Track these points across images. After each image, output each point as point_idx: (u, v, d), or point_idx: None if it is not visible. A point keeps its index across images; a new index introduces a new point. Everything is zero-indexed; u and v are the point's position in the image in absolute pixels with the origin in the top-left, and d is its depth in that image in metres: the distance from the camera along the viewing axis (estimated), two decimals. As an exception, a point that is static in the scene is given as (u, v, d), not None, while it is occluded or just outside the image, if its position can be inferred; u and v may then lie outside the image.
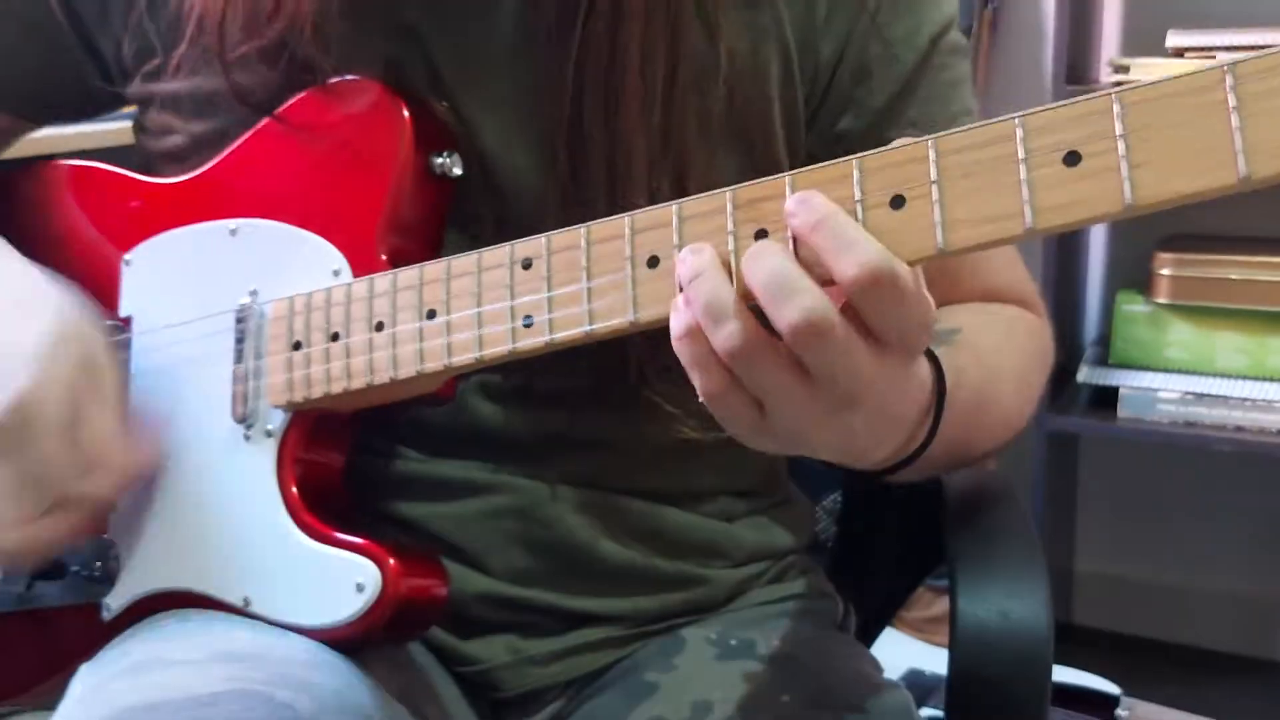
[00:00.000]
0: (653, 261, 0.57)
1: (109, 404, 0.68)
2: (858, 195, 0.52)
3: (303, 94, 0.74)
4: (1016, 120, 0.49)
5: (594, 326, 0.59)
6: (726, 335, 0.52)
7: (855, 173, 0.52)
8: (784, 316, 0.51)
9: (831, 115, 0.75)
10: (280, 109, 0.74)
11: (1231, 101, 0.45)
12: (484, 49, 0.73)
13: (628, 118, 0.69)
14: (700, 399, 0.54)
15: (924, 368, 0.62)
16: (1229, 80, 0.45)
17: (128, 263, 0.80)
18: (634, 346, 0.71)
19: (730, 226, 0.55)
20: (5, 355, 0.64)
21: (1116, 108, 0.47)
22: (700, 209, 0.56)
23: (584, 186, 0.69)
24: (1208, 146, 0.45)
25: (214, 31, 0.73)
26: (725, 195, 0.55)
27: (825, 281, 0.51)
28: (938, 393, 0.64)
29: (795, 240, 0.52)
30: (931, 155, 0.51)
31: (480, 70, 0.73)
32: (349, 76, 0.73)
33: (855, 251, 0.50)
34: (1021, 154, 0.49)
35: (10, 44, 0.84)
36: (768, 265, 0.51)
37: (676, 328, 0.53)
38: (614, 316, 0.59)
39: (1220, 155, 0.45)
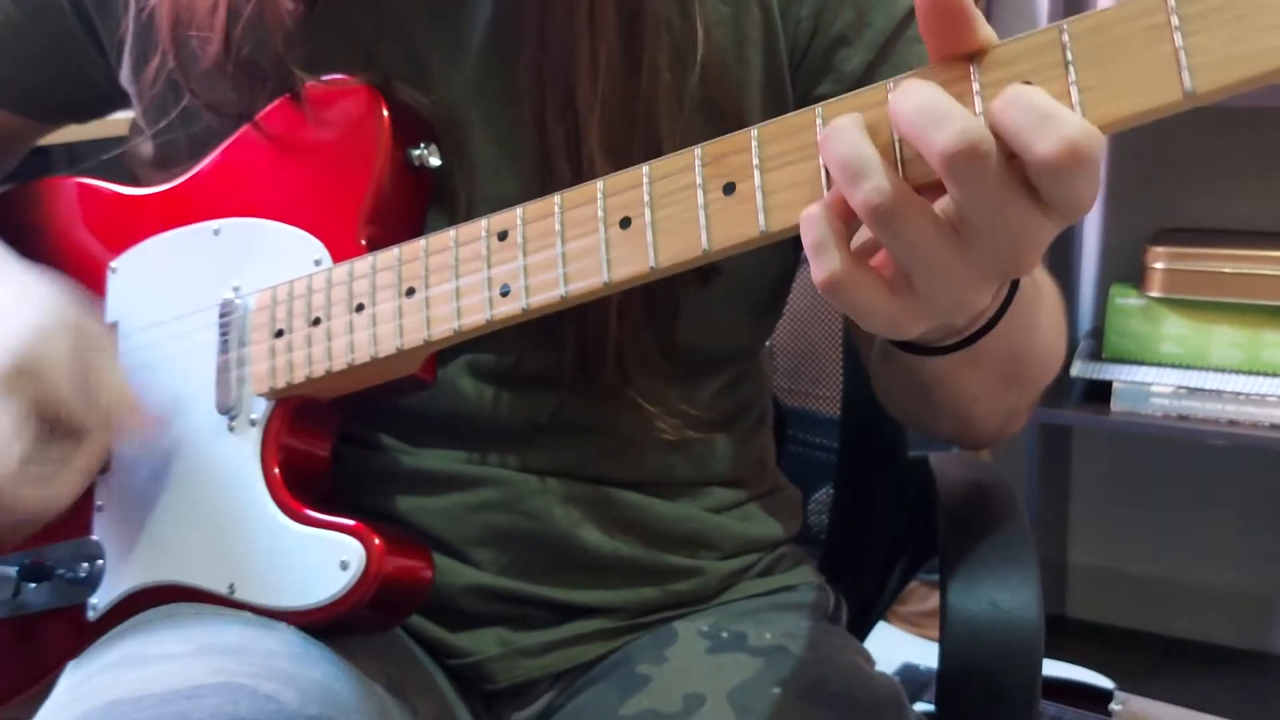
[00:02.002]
0: (625, 222, 0.59)
1: (113, 363, 0.72)
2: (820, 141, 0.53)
3: (282, 97, 0.75)
4: (971, 56, 0.50)
5: (568, 290, 0.61)
6: (870, 190, 0.49)
7: (819, 121, 0.53)
8: (937, 143, 0.47)
9: (809, 81, 0.74)
10: (260, 114, 0.75)
11: (1174, 21, 0.46)
12: (463, 39, 0.73)
13: (583, 101, 0.69)
14: (824, 287, 0.51)
15: None
16: (1170, 1, 0.46)
17: (113, 270, 0.81)
18: (614, 334, 0.72)
19: (699, 182, 0.56)
20: (6, 329, 0.67)
21: (1064, 37, 0.48)
22: (669, 168, 0.57)
23: (555, 185, 0.69)
24: (1153, 67, 0.47)
25: (172, 55, 0.75)
26: (693, 153, 0.57)
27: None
28: None
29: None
30: (891, 97, 0.51)
31: (460, 60, 0.74)
32: (326, 76, 0.74)
33: (1054, 126, 0.46)
34: (977, 88, 0.50)
35: (14, 32, 0.84)
36: (917, 97, 0.48)
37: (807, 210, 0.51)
38: (587, 278, 0.60)
39: (1165, 74, 0.47)
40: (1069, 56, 0.48)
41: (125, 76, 0.82)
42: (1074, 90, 0.48)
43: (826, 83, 0.74)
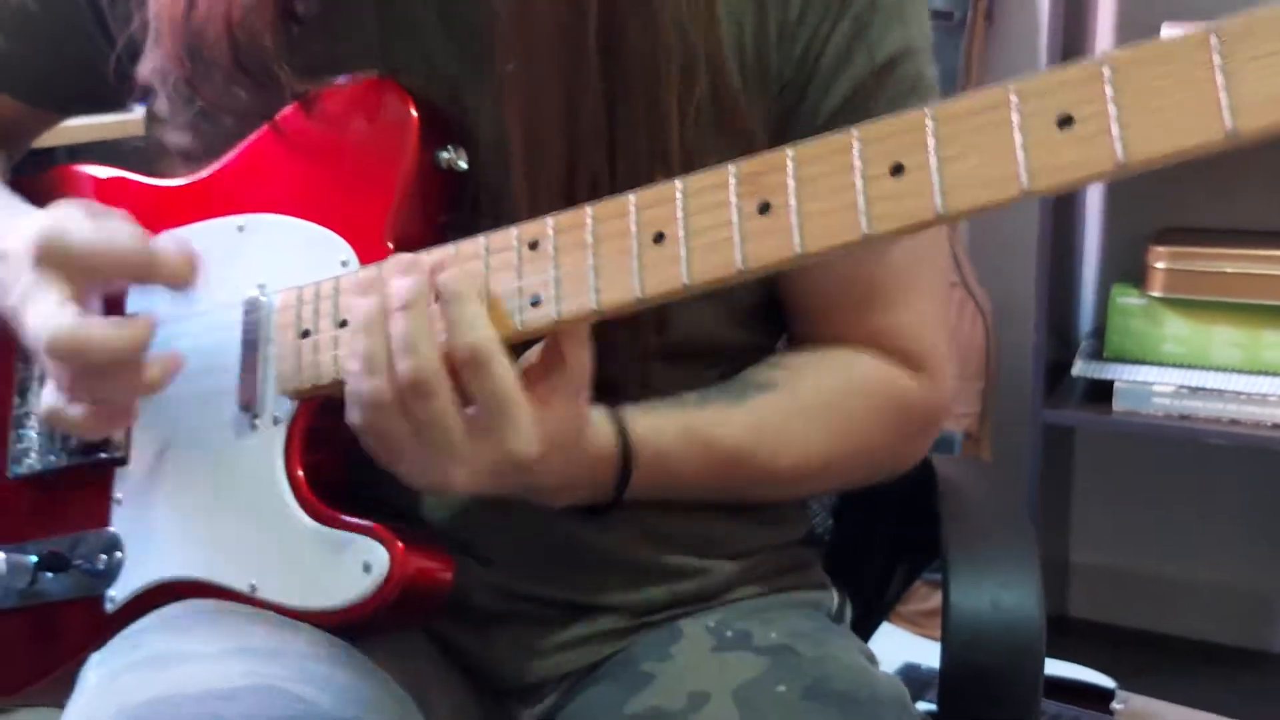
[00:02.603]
0: (658, 238, 0.58)
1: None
2: (858, 165, 0.53)
3: (304, 96, 0.74)
4: (1011, 86, 0.50)
5: (601, 303, 0.60)
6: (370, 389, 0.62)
7: (855, 144, 0.54)
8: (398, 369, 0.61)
9: (783, 112, 0.75)
10: (282, 113, 0.75)
11: (1217, 61, 0.46)
12: (475, 36, 0.73)
13: (583, 101, 0.69)
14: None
15: (595, 443, 0.69)
16: (1214, 41, 0.46)
17: None
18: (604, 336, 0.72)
19: (734, 200, 0.56)
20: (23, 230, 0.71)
21: (1107, 71, 0.48)
22: (703, 184, 0.57)
23: (550, 181, 0.69)
24: (1195, 105, 0.47)
25: (186, 82, 0.75)
26: (728, 169, 0.57)
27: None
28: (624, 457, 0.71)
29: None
30: (929, 124, 0.52)
31: (473, 57, 0.74)
32: (347, 76, 0.73)
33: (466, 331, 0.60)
34: (1016, 119, 0.50)
35: (28, 21, 0.84)
36: (399, 326, 0.61)
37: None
38: (620, 292, 0.59)
39: (1207, 112, 0.46)
40: (1110, 91, 0.48)
41: (146, 69, 0.82)
42: (1115, 126, 0.48)
43: (799, 119, 0.74)
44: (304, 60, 0.73)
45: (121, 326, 0.69)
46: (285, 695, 0.60)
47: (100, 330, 0.68)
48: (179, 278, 0.72)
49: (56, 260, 0.69)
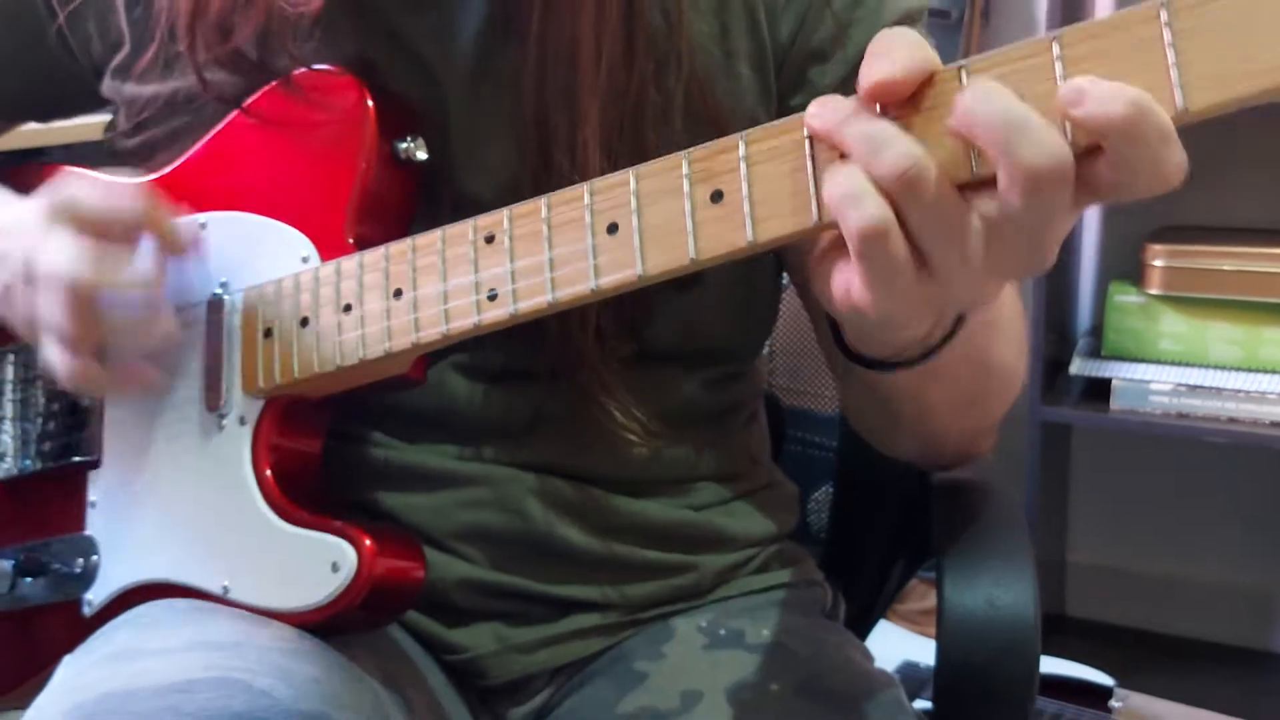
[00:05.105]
0: (612, 228, 0.58)
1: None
2: (809, 150, 0.53)
3: (268, 87, 0.74)
4: (962, 69, 0.50)
5: (556, 296, 0.60)
6: (894, 157, 0.48)
7: (806, 127, 0.53)
8: (1025, 158, 0.46)
9: (785, 91, 0.74)
10: (248, 102, 0.75)
11: (1167, 37, 0.46)
12: (456, 31, 0.73)
13: (585, 95, 0.69)
14: (856, 246, 0.49)
15: None
16: (1164, 15, 0.46)
17: None
18: (589, 335, 0.71)
19: (686, 189, 0.56)
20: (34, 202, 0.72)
21: (1056, 49, 0.48)
22: (655, 172, 0.57)
23: (550, 177, 0.68)
24: (1146, 82, 0.46)
25: (185, 37, 0.74)
26: (680, 157, 0.56)
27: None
28: None
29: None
30: (875, 109, 0.51)
31: (453, 60, 0.74)
32: (315, 67, 0.73)
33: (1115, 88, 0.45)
34: None
35: None
36: (1000, 104, 0.46)
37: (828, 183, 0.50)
38: (575, 284, 0.59)
39: (1159, 90, 0.46)
40: (1060, 69, 0.48)
41: (107, 84, 0.82)
42: None
43: (800, 95, 0.74)
44: (294, 57, 0.73)
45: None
46: (245, 687, 0.59)
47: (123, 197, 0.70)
48: (177, 242, 0.73)
49: (68, 217, 0.70)
